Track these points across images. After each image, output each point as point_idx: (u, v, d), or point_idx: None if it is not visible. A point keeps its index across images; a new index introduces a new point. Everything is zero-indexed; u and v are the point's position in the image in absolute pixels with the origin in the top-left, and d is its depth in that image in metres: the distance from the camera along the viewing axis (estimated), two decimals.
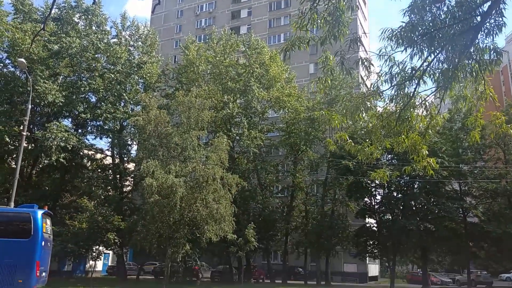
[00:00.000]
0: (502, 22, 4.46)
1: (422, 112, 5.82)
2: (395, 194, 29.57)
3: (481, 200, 31.92)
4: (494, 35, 4.52)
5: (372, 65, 5.18)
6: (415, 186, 29.63)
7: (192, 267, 30.21)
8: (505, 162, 30.66)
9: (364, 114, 6.14)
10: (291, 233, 32.46)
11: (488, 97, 5.26)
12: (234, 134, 29.25)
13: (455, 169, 27.73)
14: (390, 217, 28.94)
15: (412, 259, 43.47)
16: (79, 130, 28.32)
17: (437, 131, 28.04)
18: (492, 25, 4.44)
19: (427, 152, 5.89)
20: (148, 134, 22.38)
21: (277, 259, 40.49)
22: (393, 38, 4.75)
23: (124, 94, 27.85)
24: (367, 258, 35.07)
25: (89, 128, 29.22)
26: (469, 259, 33.13)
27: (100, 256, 26.42)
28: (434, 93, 5.40)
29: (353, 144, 6.27)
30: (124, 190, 30.10)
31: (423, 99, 5.58)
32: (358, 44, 4.90)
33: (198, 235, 21.55)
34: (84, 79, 27.27)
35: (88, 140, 29.69)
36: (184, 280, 27.59)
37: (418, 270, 41.86)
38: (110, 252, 31.66)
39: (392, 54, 5.03)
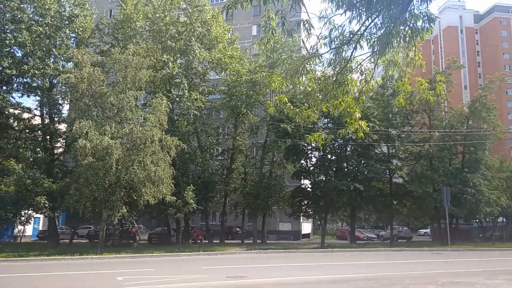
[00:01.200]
0: None
1: (358, 77, 6.06)
2: (329, 157, 30.96)
3: (406, 162, 34.49)
4: (428, 2, 4.74)
5: (313, 27, 5.24)
6: (348, 149, 31.22)
7: (129, 229, 29.94)
8: (430, 127, 33.10)
9: (304, 77, 6.26)
10: (230, 195, 33.05)
11: (417, 63, 5.58)
12: (174, 95, 28.54)
13: (384, 133, 29.49)
14: (324, 178, 30.38)
15: (342, 217, 46.43)
16: (4, 87, 26.07)
17: (370, 97, 29.52)
18: None
19: (359, 115, 6.17)
20: (81, 93, 21.19)
21: (215, 220, 41.25)
22: (333, 1, 4.81)
23: (54, 50, 25.80)
24: (301, 217, 36.86)
25: (15, 85, 26.95)
26: (393, 217, 36.05)
27: (30, 221, 25.26)
28: (369, 58, 5.61)
29: (291, 107, 6.41)
30: (55, 152, 28.51)
31: (359, 63, 5.79)
32: (300, 5, 4.91)
33: (135, 197, 21.28)
34: (8, 31, 24.81)
35: (14, 99, 27.46)
36: (120, 243, 27.31)
37: (347, 227, 44.88)
38: (41, 216, 30.30)
39: (332, 17, 5.12)
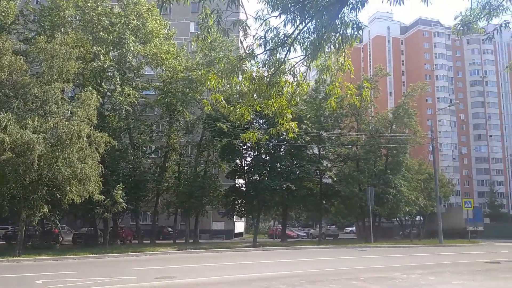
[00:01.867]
0: None
1: (290, 79, 6.23)
2: (263, 157, 31.44)
3: (335, 163, 36.11)
4: (357, 10, 5.00)
5: (249, 28, 5.30)
6: (282, 149, 31.97)
7: (51, 230, 28.11)
8: (357, 130, 34.92)
9: (240, 77, 6.31)
10: (163, 194, 32.33)
11: (347, 69, 5.87)
12: (105, 90, 27.26)
13: (316, 135, 30.60)
14: (257, 177, 30.80)
15: (275, 216, 47.44)
16: None
17: (304, 100, 30.49)
18: (357, 0, 4.89)
19: (291, 116, 6.36)
20: (0, 83, 19.50)
21: (147, 220, 40.13)
22: (269, 2, 4.90)
23: None
24: (235, 216, 37.07)
25: None
26: (322, 215, 37.52)
27: None
28: (302, 61, 5.80)
29: (226, 105, 6.42)
30: None
31: (292, 65, 5.96)
32: (237, 4, 4.94)
33: (59, 196, 20.03)
34: None
35: None
36: (41, 244, 25.54)
37: (279, 225, 45.93)
38: None
39: (267, 18, 5.21)
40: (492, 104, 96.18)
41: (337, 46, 5.32)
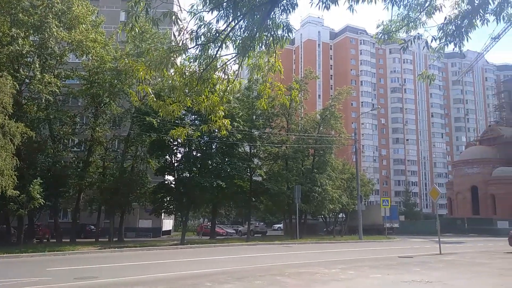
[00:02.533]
0: (295, 2, 5.07)
1: (222, 76, 6.21)
2: (194, 153, 31.08)
3: (265, 161, 36.82)
4: (288, 13, 5.12)
5: (180, 20, 5.18)
6: (213, 146, 31.82)
7: None
8: (287, 130, 35.89)
9: (171, 70, 6.15)
10: (85, 190, 30.63)
11: (277, 69, 5.98)
12: (23, 76, 25.16)
13: (247, 133, 30.91)
14: (188, 174, 30.36)
15: (204, 213, 47.16)
16: None
17: (236, 98, 30.65)
18: (287, 3, 5.00)
19: (223, 113, 6.35)
20: None
21: (67, 217, 37.83)
22: None
23: None
24: (163, 214, 36.25)
25: None
26: (251, 212, 38.04)
27: None
28: (234, 58, 5.81)
29: (155, 99, 6.24)
30: None
31: (224, 63, 5.94)
32: None
33: None
34: None
35: None
36: None
37: (208, 223, 45.72)
38: None
39: (199, 13, 5.14)
40: (409, 110, 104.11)
41: (268, 46, 5.40)
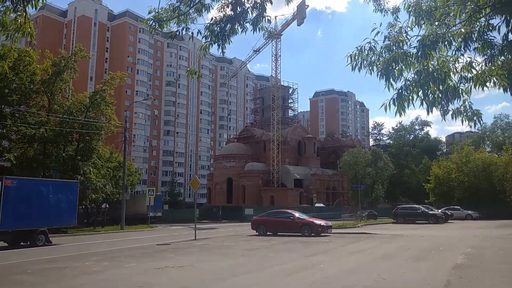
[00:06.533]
0: None
1: None
2: None
3: (18, 144, 31.67)
4: None
5: None
6: None
7: None
8: (49, 110, 31.84)
9: None
10: None
11: (27, 31, 5.06)
12: None
13: None
14: None
15: None
16: None
17: None
18: None
19: None
20: None
21: None
22: None
23: None
24: None
25: None
26: None
27: None
28: None
29: None
30: None
31: None
32: None
33: None
34: None
35: None
36: None
37: None
38: None
39: None
40: (181, 104, 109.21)
41: (15, 2, 4.49)
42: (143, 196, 43.37)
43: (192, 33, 6.79)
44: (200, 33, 6.91)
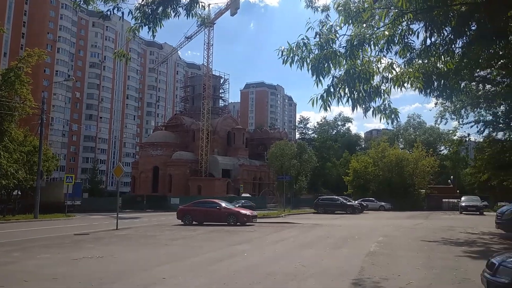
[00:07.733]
0: None
1: None
2: None
3: None
4: None
5: None
6: None
7: None
8: None
9: None
10: None
11: None
12: None
13: None
14: None
15: None
16: None
17: None
18: None
19: None
20: None
21: None
22: None
23: None
24: None
25: None
26: None
27: None
28: None
29: None
30: None
31: None
32: None
33: None
34: None
35: None
36: None
37: None
38: None
39: None
40: (106, 88, 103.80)
41: None
42: (60, 183, 40.77)
43: (123, 13, 6.47)
44: (131, 13, 6.61)
